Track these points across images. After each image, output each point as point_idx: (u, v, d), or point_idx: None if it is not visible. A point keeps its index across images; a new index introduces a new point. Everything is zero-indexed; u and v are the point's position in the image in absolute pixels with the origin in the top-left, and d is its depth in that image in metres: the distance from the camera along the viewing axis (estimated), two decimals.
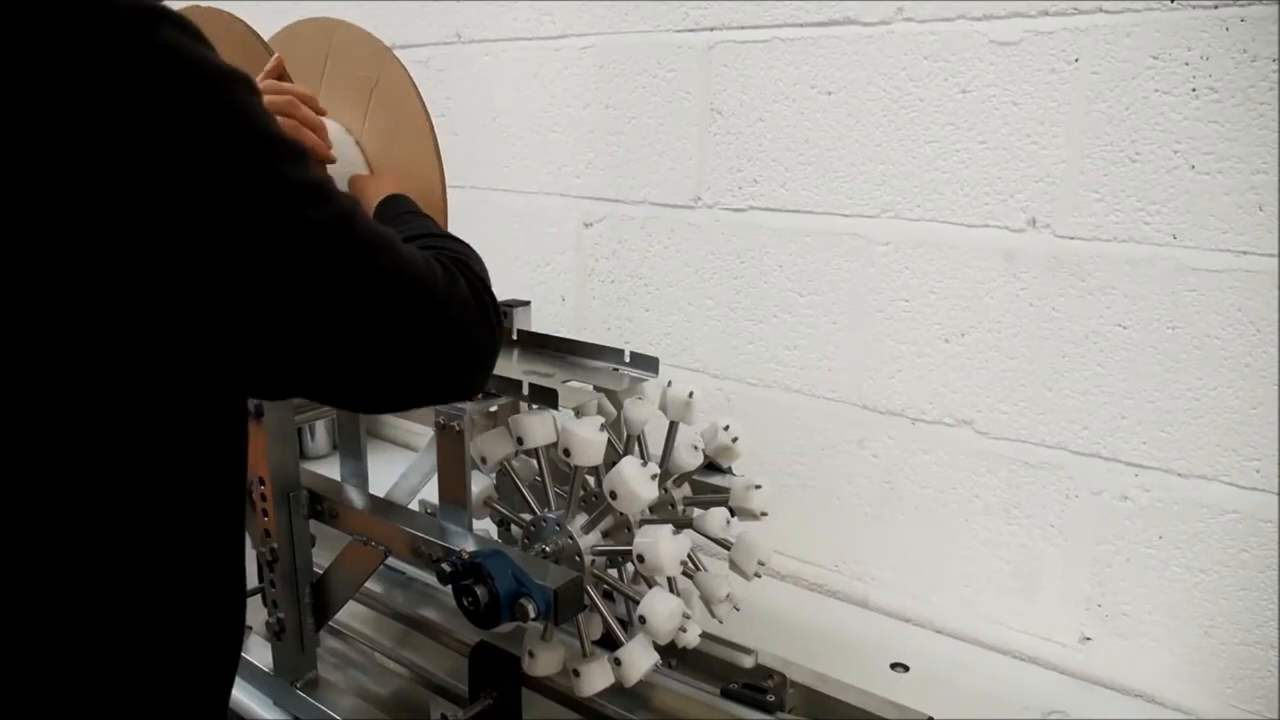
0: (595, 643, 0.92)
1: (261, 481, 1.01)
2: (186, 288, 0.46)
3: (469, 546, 0.88)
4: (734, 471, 1.06)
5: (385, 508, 1.02)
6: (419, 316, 0.59)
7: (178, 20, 0.46)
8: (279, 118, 0.81)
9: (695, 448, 1.01)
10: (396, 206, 0.84)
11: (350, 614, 1.19)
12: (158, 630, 0.55)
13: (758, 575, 1.00)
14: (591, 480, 0.97)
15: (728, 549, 1.00)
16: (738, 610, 1.00)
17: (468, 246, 0.76)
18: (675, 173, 1.34)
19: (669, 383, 1.02)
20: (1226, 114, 0.92)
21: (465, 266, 0.67)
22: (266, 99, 0.81)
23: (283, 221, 0.50)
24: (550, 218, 1.50)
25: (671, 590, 0.92)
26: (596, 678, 0.88)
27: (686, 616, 0.89)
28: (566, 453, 0.88)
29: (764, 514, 1.01)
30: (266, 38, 0.96)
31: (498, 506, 1.02)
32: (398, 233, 0.74)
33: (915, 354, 1.17)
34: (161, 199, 0.45)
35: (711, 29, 1.25)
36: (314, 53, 0.99)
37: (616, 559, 0.96)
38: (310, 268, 0.52)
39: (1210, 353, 0.97)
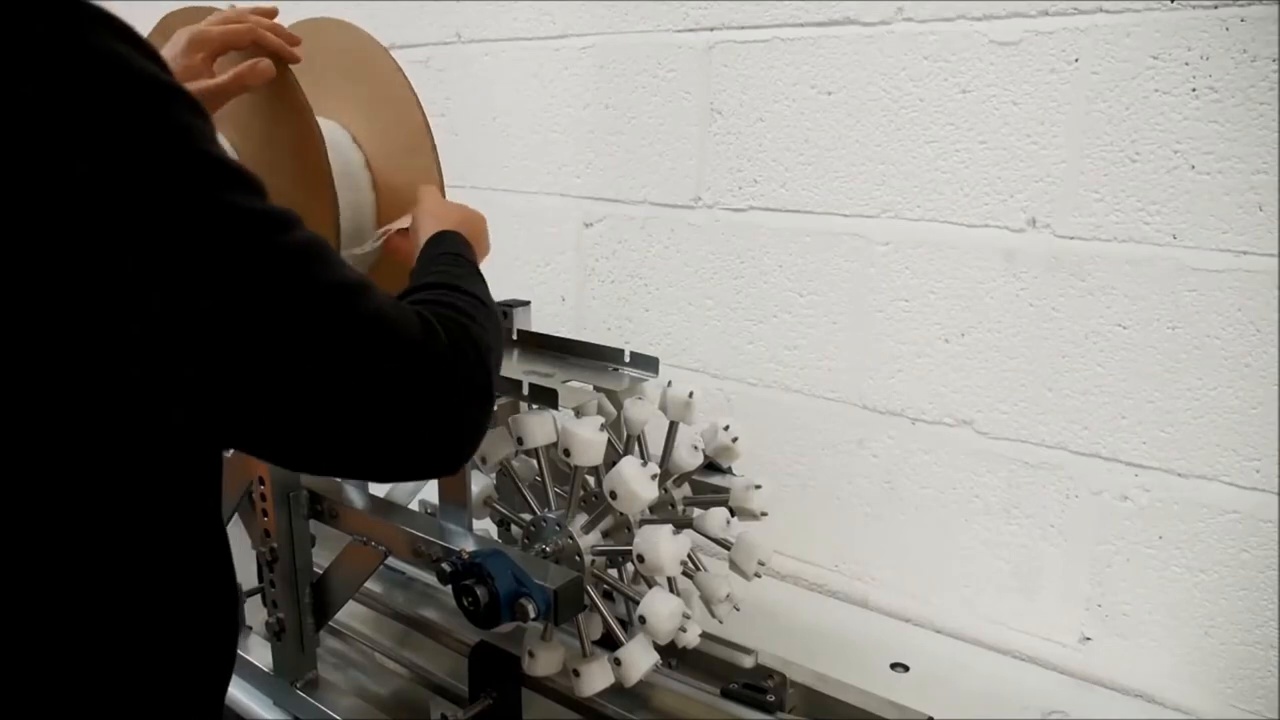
0: (595, 643, 0.92)
1: (261, 481, 1.01)
2: (185, 289, 0.45)
3: (469, 546, 0.88)
4: (734, 471, 1.06)
5: (385, 508, 1.02)
6: (373, 367, 0.52)
7: (121, 28, 0.44)
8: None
9: (695, 448, 1.01)
10: (439, 246, 0.79)
11: (350, 614, 1.19)
12: (153, 631, 0.55)
13: (758, 575, 1.00)
14: (591, 480, 0.97)
15: (728, 549, 1.00)
16: (738, 610, 1.00)
17: (483, 308, 0.67)
18: (675, 173, 1.33)
19: (669, 383, 1.02)
20: (1226, 114, 0.92)
21: (460, 327, 0.60)
22: (225, 28, 0.80)
23: (225, 249, 0.46)
24: (550, 218, 1.50)
25: (671, 590, 0.92)
26: (596, 678, 0.88)
27: (686, 616, 0.89)
28: (566, 453, 0.88)
29: (764, 514, 1.01)
30: None
31: (498, 506, 1.02)
32: (427, 274, 0.71)
33: (915, 354, 1.17)
34: (123, 207, 0.43)
35: (711, 29, 1.25)
36: (311, 53, 0.99)
37: (616, 559, 0.96)
38: (247, 299, 0.46)
39: (1210, 353, 0.97)
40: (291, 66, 0.88)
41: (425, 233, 0.81)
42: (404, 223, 0.90)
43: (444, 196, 0.98)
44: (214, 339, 0.46)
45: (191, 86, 0.78)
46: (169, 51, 0.79)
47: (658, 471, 0.87)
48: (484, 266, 0.82)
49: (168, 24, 0.97)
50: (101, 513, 0.50)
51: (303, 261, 0.49)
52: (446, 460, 0.60)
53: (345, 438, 0.53)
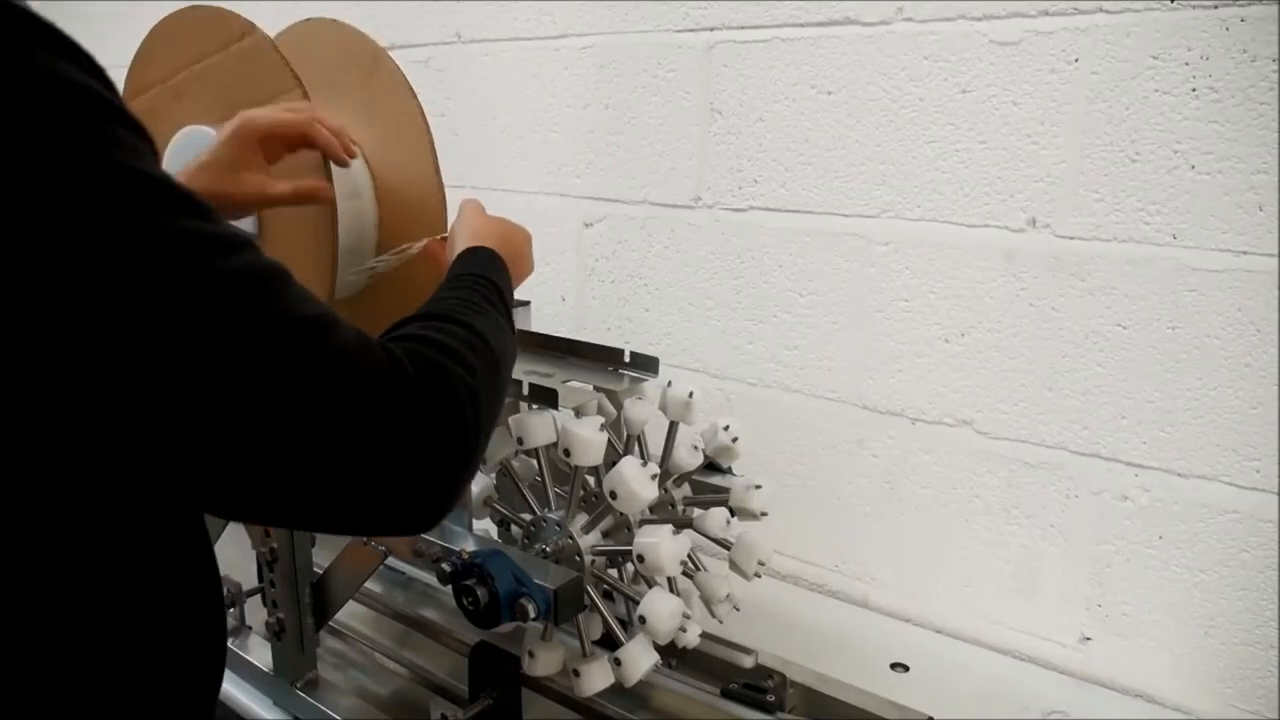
0: (595, 643, 0.92)
1: None
2: (111, 319, 0.41)
3: (469, 546, 0.88)
4: (734, 471, 1.06)
5: None
6: (319, 408, 0.46)
7: (60, 42, 0.43)
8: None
9: (695, 448, 1.01)
10: (464, 265, 0.75)
11: (350, 614, 1.19)
12: (138, 640, 0.54)
13: (758, 575, 1.00)
14: (591, 480, 0.97)
15: (728, 549, 1.00)
16: (738, 610, 1.00)
17: (480, 345, 0.60)
18: (675, 173, 1.33)
19: (669, 383, 1.02)
20: (1226, 114, 0.92)
21: (437, 369, 0.54)
22: (276, 117, 0.80)
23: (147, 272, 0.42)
24: (550, 218, 1.50)
25: (671, 590, 0.92)
26: (596, 678, 0.88)
27: (686, 616, 0.89)
28: (566, 453, 0.88)
29: (764, 514, 1.01)
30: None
31: (498, 506, 1.02)
32: (433, 301, 0.66)
33: (915, 354, 1.17)
34: (46, 229, 0.40)
35: (711, 29, 1.25)
36: (311, 54, 0.99)
37: (616, 559, 0.97)
38: (179, 329, 0.42)
39: (1210, 353, 0.97)
40: (293, 68, 0.88)
41: (458, 248, 0.78)
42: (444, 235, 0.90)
43: (444, 197, 0.98)
44: (142, 374, 0.41)
45: (245, 187, 0.79)
46: (222, 134, 0.79)
47: (658, 471, 0.87)
48: None
49: (168, 25, 0.97)
50: (90, 521, 0.49)
51: (246, 289, 0.45)
52: (411, 516, 0.53)
53: (291, 486, 0.47)
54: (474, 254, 0.76)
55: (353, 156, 0.86)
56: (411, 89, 0.97)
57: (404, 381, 0.50)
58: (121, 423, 0.42)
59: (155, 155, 0.45)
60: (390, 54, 0.99)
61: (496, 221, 0.85)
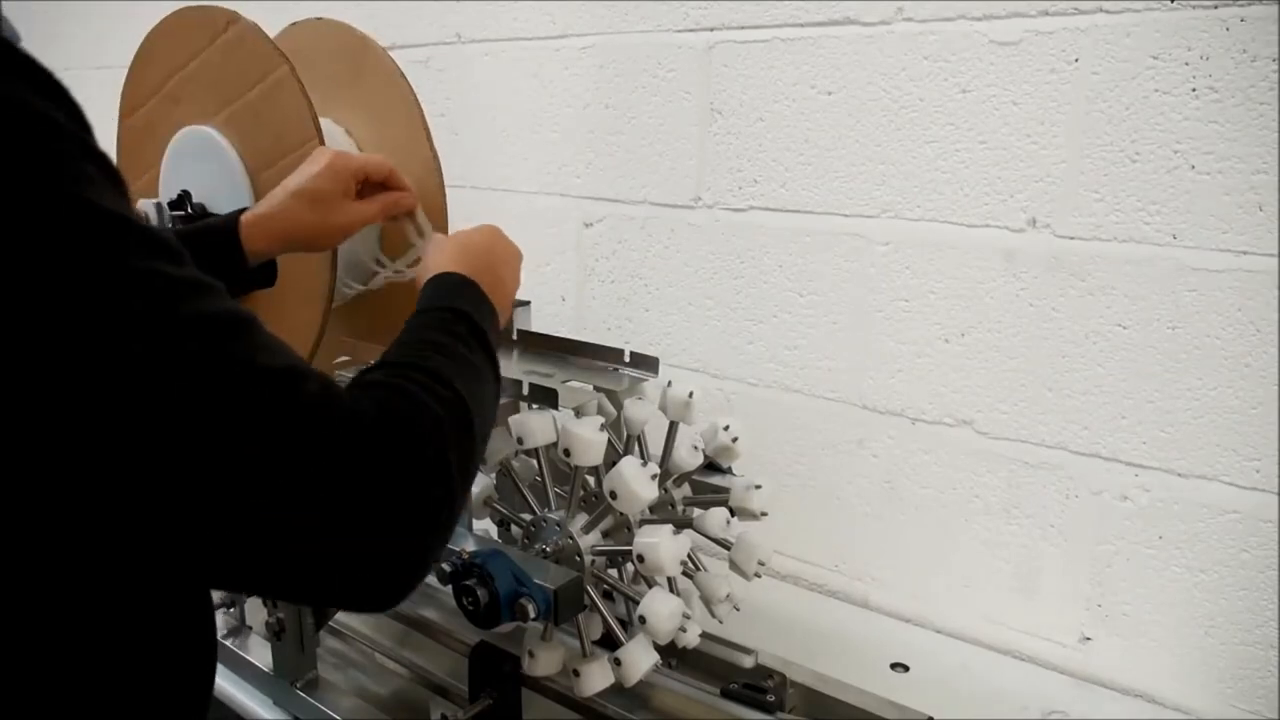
0: (595, 643, 0.92)
1: None
2: (66, 368, 0.41)
3: (469, 546, 0.88)
4: (734, 471, 1.06)
5: None
6: (278, 465, 0.44)
7: (36, 75, 0.42)
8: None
9: (695, 448, 1.01)
10: (431, 298, 0.71)
11: (350, 614, 1.19)
12: (132, 645, 0.54)
13: (758, 575, 1.00)
14: (591, 480, 0.97)
15: (728, 549, 1.00)
16: (738, 610, 1.00)
17: (449, 396, 0.56)
18: (675, 173, 1.33)
19: (669, 383, 1.02)
20: (1226, 114, 0.92)
21: (404, 421, 0.52)
22: (367, 158, 0.85)
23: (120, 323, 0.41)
24: (550, 218, 1.50)
25: (671, 590, 0.92)
26: (596, 678, 0.88)
27: (686, 616, 0.89)
28: (566, 453, 0.88)
29: (764, 514, 1.01)
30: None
31: (498, 506, 1.02)
32: (397, 344, 0.63)
33: (915, 354, 1.17)
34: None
35: (711, 29, 1.25)
36: (311, 54, 0.99)
37: (616, 559, 0.96)
38: (137, 374, 0.41)
39: (1210, 353, 0.97)
40: (294, 66, 0.88)
41: (429, 271, 0.75)
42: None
43: (445, 197, 0.98)
44: (98, 430, 0.41)
45: (341, 214, 0.85)
46: (309, 168, 0.84)
47: (658, 471, 0.87)
48: None
49: (161, 31, 0.97)
50: (79, 539, 0.48)
51: (211, 335, 0.44)
52: (380, 581, 0.50)
53: (253, 544, 0.45)
54: (442, 284, 0.73)
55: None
56: (402, 75, 0.98)
57: (369, 436, 0.48)
58: (100, 446, 0.42)
59: (127, 197, 0.45)
60: (381, 48, 1.00)
61: (475, 242, 0.81)
